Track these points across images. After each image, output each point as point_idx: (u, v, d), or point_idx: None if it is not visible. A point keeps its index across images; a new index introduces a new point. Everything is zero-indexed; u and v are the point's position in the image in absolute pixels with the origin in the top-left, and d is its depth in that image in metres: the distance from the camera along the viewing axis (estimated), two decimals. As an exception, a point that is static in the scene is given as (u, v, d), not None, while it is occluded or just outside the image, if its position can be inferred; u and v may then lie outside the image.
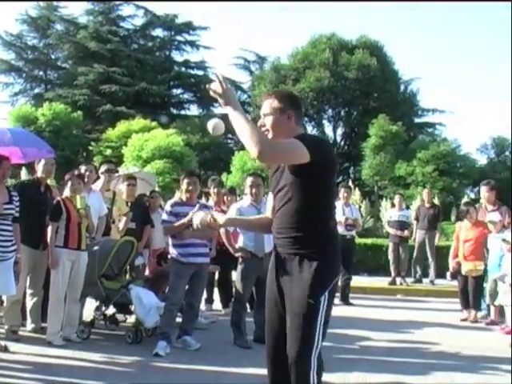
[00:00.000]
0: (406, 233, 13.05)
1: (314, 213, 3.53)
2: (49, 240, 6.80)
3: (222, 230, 7.46)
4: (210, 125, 3.85)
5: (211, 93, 3.54)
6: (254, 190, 7.34)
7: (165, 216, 6.93)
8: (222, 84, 3.48)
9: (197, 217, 3.92)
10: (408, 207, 19.50)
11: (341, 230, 9.90)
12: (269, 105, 3.72)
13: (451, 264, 9.83)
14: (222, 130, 3.81)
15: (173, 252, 6.90)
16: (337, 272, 3.63)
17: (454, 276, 10.14)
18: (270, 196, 3.87)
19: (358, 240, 14.66)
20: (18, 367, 5.86)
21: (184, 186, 6.95)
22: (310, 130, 41.59)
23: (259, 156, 3.34)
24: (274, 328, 3.76)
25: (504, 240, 8.46)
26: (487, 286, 9.19)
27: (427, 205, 13.63)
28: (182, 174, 7.34)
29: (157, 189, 18.76)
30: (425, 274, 13.46)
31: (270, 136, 3.67)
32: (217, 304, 9.37)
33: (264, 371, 6.01)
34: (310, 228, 3.52)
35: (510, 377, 6.07)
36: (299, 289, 3.51)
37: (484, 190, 9.60)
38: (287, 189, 3.58)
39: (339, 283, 3.64)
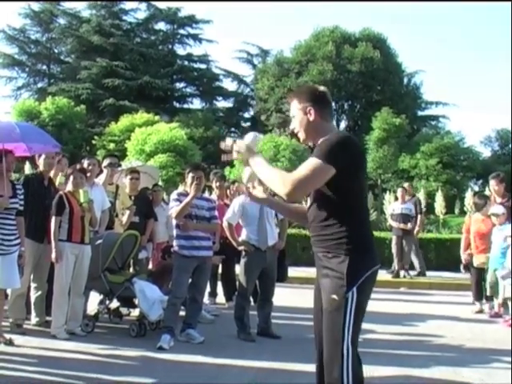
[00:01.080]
0: (409, 225, 13.02)
1: (341, 210, 3.49)
2: (52, 234, 6.80)
3: (224, 224, 7.47)
4: (249, 138, 3.73)
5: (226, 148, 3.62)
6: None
7: (173, 203, 6.90)
8: (234, 145, 3.56)
9: (247, 172, 3.82)
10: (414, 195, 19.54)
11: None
12: (293, 106, 3.71)
13: (463, 256, 9.82)
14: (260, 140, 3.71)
15: (176, 244, 6.90)
16: (367, 267, 3.52)
17: (466, 268, 10.12)
18: None
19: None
20: (23, 360, 5.87)
21: (189, 179, 6.94)
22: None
23: (287, 199, 3.38)
24: (318, 324, 3.71)
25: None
26: (488, 278, 9.18)
27: (408, 197, 13.52)
28: (187, 168, 7.31)
29: (160, 183, 18.80)
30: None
31: (301, 137, 3.69)
32: (220, 297, 9.38)
33: (267, 364, 6.06)
34: (336, 225, 3.48)
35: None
36: (328, 285, 3.50)
37: (493, 183, 9.53)
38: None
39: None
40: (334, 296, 3.46)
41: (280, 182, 3.36)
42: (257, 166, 3.54)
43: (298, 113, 3.67)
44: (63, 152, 9.16)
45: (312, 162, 3.37)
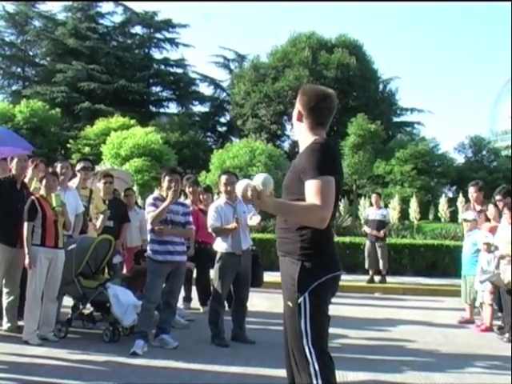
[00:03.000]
0: (382, 232, 13.08)
1: None
2: (25, 240, 6.73)
3: (211, 231, 7.44)
4: (259, 180, 3.56)
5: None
6: (228, 188, 7.33)
7: (151, 207, 6.84)
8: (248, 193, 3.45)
9: (240, 185, 3.55)
10: (386, 206, 19.64)
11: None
12: (297, 102, 3.81)
13: None
14: (271, 184, 3.57)
15: (150, 249, 6.87)
16: (321, 274, 3.50)
17: None
18: None
19: (335, 239, 14.73)
20: (-6, 366, 5.80)
21: (165, 183, 6.92)
22: (290, 128, 41.66)
23: (324, 224, 3.39)
24: (284, 330, 3.73)
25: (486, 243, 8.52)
26: (462, 284, 9.28)
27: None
28: (163, 171, 7.28)
29: (135, 187, 18.73)
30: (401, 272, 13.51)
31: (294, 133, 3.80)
32: (195, 302, 9.35)
33: (241, 369, 6.05)
34: (293, 229, 3.52)
35: (487, 374, 6.15)
36: (285, 292, 3.55)
37: (472, 191, 9.62)
38: (283, 190, 3.70)
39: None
40: (289, 303, 3.53)
41: (306, 213, 3.39)
42: (277, 207, 3.50)
43: (295, 112, 3.80)
44: (37, 155, 9.10)
45: (314, 185, 3.39)
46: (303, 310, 3.48)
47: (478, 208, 9.38)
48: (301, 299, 3.47)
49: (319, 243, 3.54)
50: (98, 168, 10.50)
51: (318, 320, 3.51)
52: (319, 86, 3.93)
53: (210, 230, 7.43)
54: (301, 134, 3.75)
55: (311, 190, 3.39)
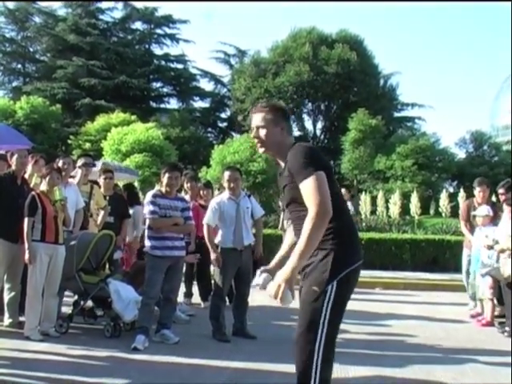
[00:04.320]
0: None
1: None
2: (25, 235, 6.73)
3: (205, 226, 7.44)
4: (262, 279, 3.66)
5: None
6: (231, 185, 7.33)
7: (151, 207, 6.85)
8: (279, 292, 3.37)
9: (262, 280, 3.75)
10: (387, 201, 19.64)
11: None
12: (262, 117, 3.77)
13: None
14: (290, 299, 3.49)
15: (148, 244, 6.88)
16: (349, 263, 3.56)
17: None
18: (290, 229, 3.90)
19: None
20: (-5, 362, 5.81)
21: (165, 179, 6.92)
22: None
23: (329, 215, 3.39)
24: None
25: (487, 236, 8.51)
26: (464, 278, 9.30)
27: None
28: (163, 168, 7.28)
29: (136, 183, 18.72)
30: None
31: (260, 149, 3.81)
32: (196, 298, 9.36)
33: (243, 364, 6.06)
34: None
35: (488, 369, 6.15)
36: (311, 277, 3.53)
37: (479, 189, 9.50)
38: (287, 202, 3.70)
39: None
40: (315, 287, 3.49)
41: (315, 224, 3.36)
42: (301, 259, 3.40)
43: (268, 124, 3.75)
44: (37, 151, 9.11)
45: (306, 184, 3.44)
46: (328, 297, 3.49)
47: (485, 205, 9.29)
48: (329, 286, 3.49)
49: (348, 232, 3.63)
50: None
51: (338, 310, 3.53)
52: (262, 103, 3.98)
53: (204, 223, 7.43)
54: (282, 145, 3.74)
55: (304, 193, 3.45)
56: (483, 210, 8.99)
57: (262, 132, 3.76)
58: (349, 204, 10.92)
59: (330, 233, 3.51)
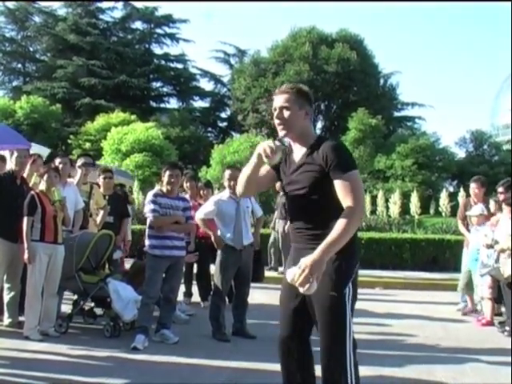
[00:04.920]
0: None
1: (332, 209, 3.48)
2: (24, 235, 6.72)
3: (198, 220, 7.45)
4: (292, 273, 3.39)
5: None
6: (232, 183, 7.32)
7: (152, 206, 6.85)
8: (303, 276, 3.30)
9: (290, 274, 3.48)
10: (387, 200, 19.61)
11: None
12: (287, 98, 3.63)
13: None
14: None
15: (148, 244, 6.88)
16: (357, 261, 3.63)
17: None
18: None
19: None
20: (-6, 362, 5.81)
21: (166, 178, 6.91)
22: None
23: (360, 221, 3.47)
24: (288, 322, 3.75)
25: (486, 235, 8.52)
26: (461, 277, 9.30)
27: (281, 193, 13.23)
28: (164, 166, 7.29)
29: (136, 182, 18.72)
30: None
31: (282, 131, 3.64)
32: (196, 297, 9.35)
33: (242, 364, 6.05)
34: (328, 224, 3.47)
35: (488, 368, 6.14)
36: (323, 283, 3.46)
37: (474, 187, 9.50)
38: (306, 190, 3.57)
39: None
40: (333, 293, 3.49)
41: (355, 217, 3.38)
42: (332, 250, 3.37)
43: (294, 106, 3.61)
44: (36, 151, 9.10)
45: (351, 178, 3.42)
46: (347, 299, 3.53)
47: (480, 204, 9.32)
48: (346, 289, 3.52)
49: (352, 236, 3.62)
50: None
51: (353, 310, 3.59)
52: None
53: (197, 216, 7.42)
54: (305, 130, 3.67)
55: (346, 187, 3.41)
56: (477, 210, 9.00)
57: (286, 113, 3.61)
58: None
59: None
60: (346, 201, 3.39)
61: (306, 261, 3.29)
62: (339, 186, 3.42)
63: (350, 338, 3.54)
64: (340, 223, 3.34)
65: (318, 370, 3.67)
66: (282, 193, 11.81)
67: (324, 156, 3.47)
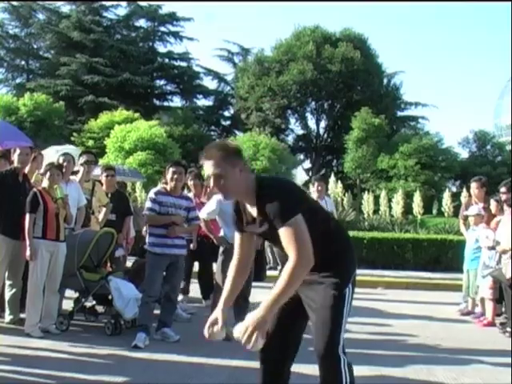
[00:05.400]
0: None
1: (321, 236, 3.49)
2: (26, 232, 6.74)
3: (200, 220, 7.45)
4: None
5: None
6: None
7: (149, 204, 6.86)
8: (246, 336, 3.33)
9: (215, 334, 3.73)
10: (390, 200, 19.61)
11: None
12: (216, 163, 3.42)
13: None
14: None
15: (148, 242, 6.88)
16: (354, 263, 3.73)
17: None
18: (237, 235, 3.77)
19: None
20: (-4, 359, 5.82)
21: (169, 175, 6.90)
22: (294, 122, 41.63)
23: (311, 263, 3.34)
24: (277, 326, 3.73)
25: (487, 237, 8.53)
26: (464, 278, 9.32)
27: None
28: (167, 164, 7.28)
29: (138, 181, 18.71)
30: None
31: (225, 197, 3.55)
32: (197, 295, 9.34)
33: (243, 363, 6.04)
34: (324, 249, 3.51)
35: (488, 369, 6.13)
36: (324, 284, 3.54)
37: (474, 187, 9.53)
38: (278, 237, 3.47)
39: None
40: (334, 292, 3.52)
41: (295, 271, 3.31)
42: (276, 305, 3.39)
43: (226, 171, 3.41)
44: (39, 148, 9.11)
45: (287, 232, 3.33)
46: (347, 300, 3.56)
47: (481, 205, 9.34)
48: (346, 289, 3.56)
49: (344, 242, 3.73)
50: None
51: (349, 312, 3.61)
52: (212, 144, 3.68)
53: (201, 216, 7.42)
54: (245, 186, 3.49)
55: (284, 240, 3.36)
56: (474, 210, 9.02)
57: (221, 180, 3.43)
58: (326, 199, 10.69)
59: (333, 252, 3.59)
60: (289, 251, 3.34)
61: (250, 319, 3.31)
62: (281, 237, 3.36)
63: (341, 338, 3.55)
64: (284, 275, 3.32)
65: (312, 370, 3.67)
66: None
67: (267, 211, 3.39)
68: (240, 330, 3.30)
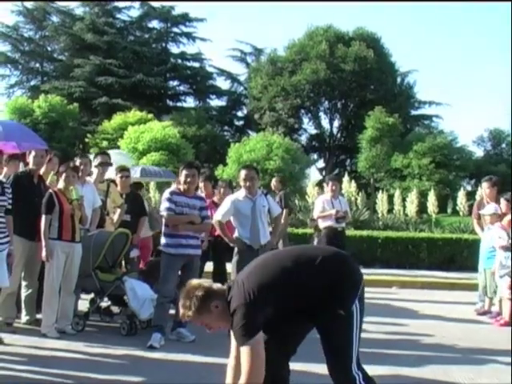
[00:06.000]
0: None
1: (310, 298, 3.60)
2: (42, 233, 6.77)
3: (215, 221, 7.43)
4: None
5: None
6: (247, 184, 7.29)
7: (167, 203, 6.85)
8: None
9: None
10: (404, 199, 19.55)
11: (331, 222, 9.88)
12: (195, 317, 3.71)
13: None
14: None
15: (163, 242, 6.89)
16: (357, 280, 3.69)
17: None
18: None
19: (353, 232, 14.73)
20: (12, 359, 5.86)
21: (182, 177, 6.92)
22: (307, 122, 41.56)
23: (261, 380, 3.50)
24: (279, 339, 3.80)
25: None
26: (479, 278, 9.27)
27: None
28: (181, 166, 7.30)
29: (152, 182, 18.75)
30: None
31: (223, 327, 3.84)
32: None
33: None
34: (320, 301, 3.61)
35: (505, 369, 6.08)
36: (328, 308, 3.58)
37: (485, 186, 9.50)
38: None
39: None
40: (341, 311, 3.53)
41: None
42: None
43: (205, 316, 3.70)
44: (55, 150, 9.16)
45: (243, 353, 3.51)
46: (355, 317, 3.55)
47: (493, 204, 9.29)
48: (353, 307, 3.56)
49: (334, 274, 3.67)
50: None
51: (361, 328, 3.61)
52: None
53: (214, 219, 7.41)
54: (226, 317, 3.71)
55: (241, 358, 3.55)
56: (490, 209, 8.96)
57: (204, 321, 3.73)
58: (340, 199, 10.55)
59: (326, 292, 3.59)
60: (242, 368, 3.53)
61: None
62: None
63: (355, 356, 3.57)
64: None
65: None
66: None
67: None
68: None
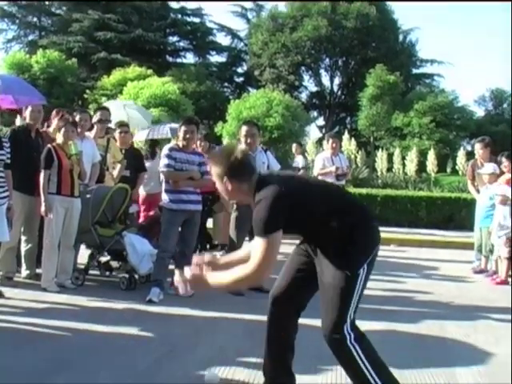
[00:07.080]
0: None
1: (329, 222, 3.50)
2: (41, 188, 6.76)
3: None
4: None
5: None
6: (248, 140, 7.28)
7: (166, 160, 6.83)
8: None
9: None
10: (404, 158, 19.54)
11: (331, 179, 9.87)
12: (217, 173, 3.61)
13: None
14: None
15: (164, 198, 6.90)
16: (374, 244, 3.60)
17: None
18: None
19: (352, 190, 14.76)
20: (13, 311, 5.90)
21: (181, 133, 6.89)
22: (307, 79, 41.29)
23: (260, 280, 3.62)
24: (292, 280, 3.80)
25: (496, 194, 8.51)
26: (475, 236, 9.31)
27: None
28: (180, 121, 7.26)
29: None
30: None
31: (226, 197, 3.81)
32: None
33: (257, 317, 6.09)
34: (333, 237, 3.52)
35: (500, 326, 6.15)
36: (336, 262, 3.48)
37: (478, 147, 9.53)
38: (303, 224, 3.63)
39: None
40: (347, 272, 3.45)
41: (245, 277, 3.40)
42: (216, 284, 3.51)
43: (217, 179, 3.63)
44: (54, 106, 9.11)
45: (259, 243, 3.38)
46: (359, 281, 3.49)
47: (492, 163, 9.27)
48: (361, 269, 3.49)
49: (360, 222, 3.60)
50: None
51: (362, 294, 3.56)
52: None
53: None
54: (236, 193, 3.67)
55: (255, 249, 3.41)
56: (489, 168, 8.95)
57: (223, 185, 3.61)
58: (340, 156, 10.57)
59: (345, 233, 3.50)
60: (252, 257, 3.41)
61: (192, 274, 3.50)
62: (254, 243, 3.47)
63: (350, 318, 3.50)
64: (234, 274, 3.45)
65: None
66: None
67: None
68: (179, 278, 3.54)
